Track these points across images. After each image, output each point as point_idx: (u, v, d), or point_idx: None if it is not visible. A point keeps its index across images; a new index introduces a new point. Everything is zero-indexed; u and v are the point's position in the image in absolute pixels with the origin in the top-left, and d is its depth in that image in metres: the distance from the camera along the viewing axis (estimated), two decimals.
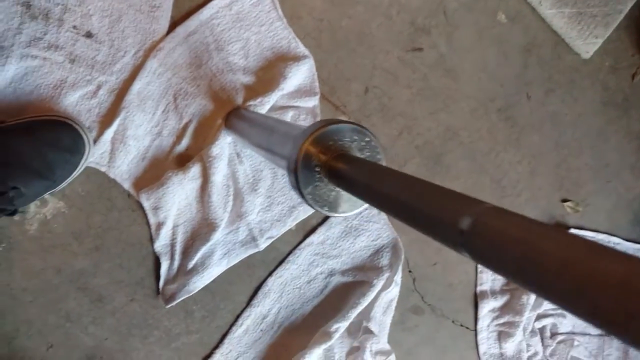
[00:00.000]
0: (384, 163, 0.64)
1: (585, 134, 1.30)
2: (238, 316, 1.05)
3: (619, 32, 1.29)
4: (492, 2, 1.16)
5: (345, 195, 0.63)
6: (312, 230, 1.09)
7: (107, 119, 0.93)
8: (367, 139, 0.64)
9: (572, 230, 1.29)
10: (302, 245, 1.08)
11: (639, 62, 1.32)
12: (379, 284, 1.10)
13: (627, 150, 1.36)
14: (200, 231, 1.00)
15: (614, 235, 1.36)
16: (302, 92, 1.04)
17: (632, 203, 1.39)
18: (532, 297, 1.22)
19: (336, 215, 0.64)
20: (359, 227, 1.11)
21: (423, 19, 1.11)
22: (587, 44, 1.24)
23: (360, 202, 0.64)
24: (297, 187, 0.60)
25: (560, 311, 1.30)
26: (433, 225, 0.43)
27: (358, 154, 0.63)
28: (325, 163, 0.61)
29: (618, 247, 1.36)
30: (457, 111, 1.17)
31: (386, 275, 1.11)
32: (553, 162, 1.28)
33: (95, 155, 0.92)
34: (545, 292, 0.31)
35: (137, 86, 0.93)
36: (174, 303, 0.98)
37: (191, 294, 0.99)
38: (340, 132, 0.62)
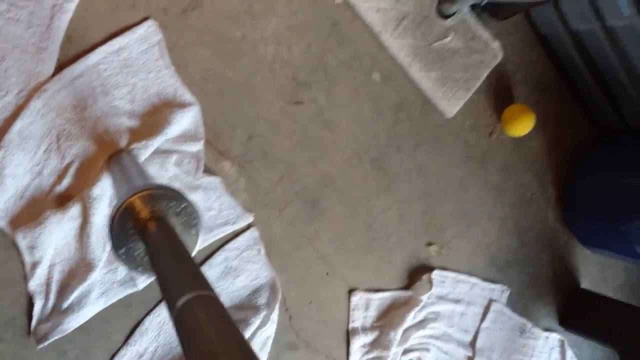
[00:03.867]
0: (199, 227, 0.71)
1: (449, 184, 1.45)
2: (113, 355, 1.06)
3: (478, 95, 1.46)
4: (367, 62, 1.29)
5: None
6: None
7: None
8: (183, 205, 0.70)
9: (436, 271, 1.42)
10: None
11: (495, 122, 1.50)
12: (256, 322, 1.15)
13: (485, 200, 1.52)
14: (78, 271, 1.01)
15: (473, 276, 1.51)
16: (186, 137, 1.09)
17: (489, 246, 1.55)
18: (399, 332, 1.33)
19: (149, 276, 0.70)
20: (239, 268, 1.17)
21: (304, 75, 1.21)
22: (450, 105, 1.40)
23: None
24: (114, 250, 0.66)
25: (425, 345, 1.41)
26: (167, 298, 0.52)
27: (174, 219, 0.69)
28: (141, 224, 0.66)
29: (476, 286, 1.51)
30: (334, 160, 1.27)
31: (263, 313, 1.17)
32: (420, 209, 1.41)
33: None
34: None
35: (18, 125, 0.94)
36: (46, 343, 0.97)
37: (65, 334, 0.99)
38: (156, 197, 0.68)
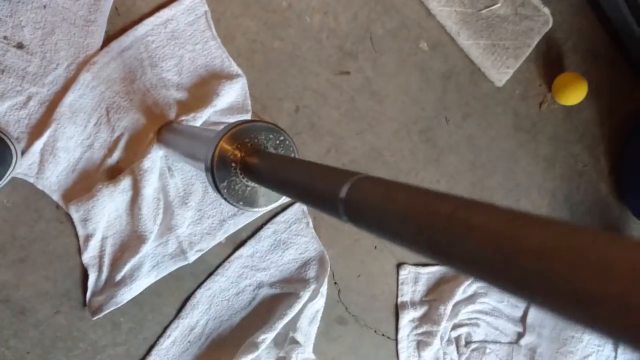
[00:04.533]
0: None
1: (498, 156, 1.41)
2: (166, 328, 1.06)
3: (528, 64, 1.40)
4: (415, 31, 1.25)
5: (260, 191, 0.67)
6: (242, 243, 1.12)
7: (37, 130, 0.93)
8: (281, 138, 0.69)
9: None
10: (232, 258, 1.11)
11: (545, 92, 1.45)
12: (306, 295, 1.14)
13: (535, 172, 1.48)
14: (130, 243, 1.01)
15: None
16: (234, 109, 1.08)
17: None
18: (449, 307, 1.30)
19: (250, 209, 0.68)
20: (288, 241, 1.16)
21: (351, 45, 1.18)
22: (500, 74, 1.35)
23: (273, 197, 0.69)
24: (214, 183, 0.64)
25: (474, 321, 1.39)
26: (322, 199, 0.48)
27: (272, 152, 0.68)
28: (241, 159, 0.65)
29: None
30: (381, 132, 1.24)
31: (312, 287, 1.16)
32: (469, 182, 1.38)
33: (23, 167, 0.92)
34: (411, 244, 0.36)
35: (69, 98, 0.94)
36: (101, 315, 0.98)
37: (119, 306, 0.99)
38: (255, 131, 0.67)
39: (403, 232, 0.35)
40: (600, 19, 1.50)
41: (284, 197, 0.70)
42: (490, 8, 1.30)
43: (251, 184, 0.66)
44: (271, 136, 0.67)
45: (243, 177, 0.65)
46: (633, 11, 1.40)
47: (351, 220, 0.43)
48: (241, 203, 0.65)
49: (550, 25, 1.40)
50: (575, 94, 1.42)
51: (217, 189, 0.63)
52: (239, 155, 0.64)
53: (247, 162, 0.63)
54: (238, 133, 0.65)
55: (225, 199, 0.64)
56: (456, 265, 0.32)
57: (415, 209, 0.34)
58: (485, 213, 0.30)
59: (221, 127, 1.05)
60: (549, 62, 1.44)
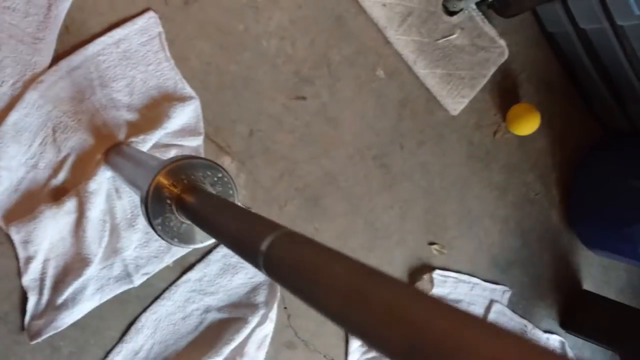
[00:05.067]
0: (235, 198, 0.68)
1: (452, 184, 1.43)
2: (108, 352, 1.04)
3: (483, 94, 1.43)
4: (372, 58, 1.26)
5: (194, 229, 0.67)
6: (190, 267, 1.11)
7: None
8: (219, 175, 0.68)
9: (437, 271, 1.40)
10: (179, 282, 1.09)
11: (500, 121, 1.48)
12: (254, 320, 1.13)
13: (487, 200, 1.50)
14: (73, 266, 0.99)
15: (474, 276, 1.49)
16: (186, 131, 1.07)
17: (490, 247, 1.53)
18: None
19: (185, 246, 0.68)
20: (237, 265, 1.15)
21: (307, 70, 1.18)
22: (455, 103, 1.37)
23: (207, 236, 0.68)
24: (147, 217, 0.63)
25: None
26: (243, 247, 0.48)
27: (210, 189, 0.67)
28: (177, 195, 0.64)
29: (477, 287, 1.49)
30: (336, 157, 1.24)
31: (261, 311, 1.15)
32: (422, 208, 1.39)
33: None
34: (321, 308, 0.37)
35: (13, 117, 0.91)
36: (39, 339, 0.95)
37: (59, 330, 0.97)
38: (193, 167, 0.66)
39: (314, 298, 0.36)
40: (555, 52, 1.54)
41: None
42: (448, 38, 1.33)
43: (187, 220, 0.65)
44: (209, 173, 0.67)
45: (178, 214, 0.64)
46: (585, 46, 1.44)
47: (269, 274, 0.43)
48: (176, 240, 0.65)
49: (506, 56, 1.43)
50: (528, 124, 1.45)
51: (151, 225, 0.62)
52: (175, 191, 0.64)
53: (183, 199, 0.63)
54: (176, 168, 0.64)
55: (159, 235, 0.63)
56: (354, 334, 0.32)
57: (332, 280, 0.35)
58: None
59: (173, 149, 1.05)
60: (504, 92, 1.48)
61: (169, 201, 0.64)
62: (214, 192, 0.67)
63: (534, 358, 0.24)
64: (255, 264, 0.45)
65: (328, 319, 0.35)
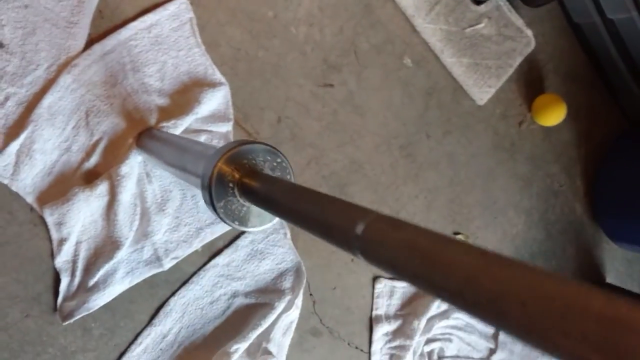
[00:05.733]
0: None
1: (477, 174, 1.42)
2: (138, 335, 1.05)
3: (509, 84, 1.42)
4: (399, 46, 1.26)
5: (254, 211, 0.68)
6: (218, 252, 1.11)
7: (14, 131, 0.91)
8: (278, 160, 0.69)
9: None
10: (207, 266, 1.10)
11: (525, 112, 1.47)
12: (280, 306, 1.13)
13: (512, 190, 1.50)
14: (104, 249, 1.00)
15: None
16: (216, 117, 1.07)
17: (514, 238, 1.53)
18: (423, 322, 1.31)
19: (245, 229, 0.69)
20: (264, 251, 1.15)
21: (335, 57, 1.18)
22: (481, 92, 1.37)
23: (267, 218, 0.70)
24: (211, 202, 0.64)
25: (447, 336, 1.39)
26: (333, 233, 0.49)
27: (270, 173, 0.68)
28: (239, 180, 0.65)
29: None
30: (362, 145, 1.24)
31: (288, 298, 1.15)
32: (447, 198, 1.39)
33: None
34: (425, 284, 0.38)
35: (48, 100, 0.92)
36: (71, 320, 0.96)
37: (90, 312, 0.98)
38: (254, 152, 0.67)
39: (429, 279, 0.36)
40: (581, 43, 1.53)
41: (276, 219, 0.70)
42: (475, 27, 1.32)
43: (247, 204, 0.66)
44: (269, 158, 0.68)
45: (240, 198, 0.65)
46: (612, 36, 1.43)
47: (366, 257, 0.44)
48: (236, 223, 0.66)
49: (533, 46, 1.42)
50: (554, 115, 1.44)
51: (214, 209, 0.64)
52: (237, 176, 0.65)
53: (246, 183, 0.64)
54: (237, 154, 0.65)
55: (221, 218, 0.64)
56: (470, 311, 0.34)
57: (451, 261, 0.36)
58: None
59: (203, 135, 1.05)
60: (530, 82, 1.47)
61: (231, 185, 0.65)
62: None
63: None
64: (348, 248, 0.46)
65: (441, 298, 0.37)
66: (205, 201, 0.66)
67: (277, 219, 0.70)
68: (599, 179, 1.62)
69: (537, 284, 0.29)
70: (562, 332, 0.27)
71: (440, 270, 0.36)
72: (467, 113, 1.38)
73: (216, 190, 0.64)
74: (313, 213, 0.52)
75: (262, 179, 0.64)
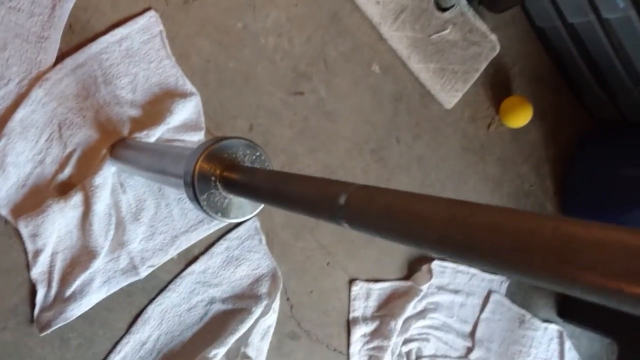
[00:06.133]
0: None
1: (448, 176, 1.46)
2: (116, 343, 1.06)
3: (476, 87, 1.47)
4: (367, 54, 1.29)
5: (236, 203, 0.72)
6: (194, 259, 1.13)
7: None
8: (257, 154, 0.73)
9: (436, 262, 1.43)
10: (184, 273, 1.12)
11: (493, 114, 1.51)
12: (258, 311, 1.15)
13: (483, 192, 1.53)
14: (80, 259, 1.01)
15: (472, 267, 1.52)
16: (188, 126, 1.10)
17: None
18: (400, 322, 1.33)
19: (227, 220, 0.72)
20: (240, 257, 1.17)
21: (305, 66, 1.21)
22: (449, 96, 1.40)
23: (248, 209, 0.74)
24: (195, 196, 0.68)
25: (424, 336, 1.42)
26: (318, 207, 0.54)
27: (251, 166, 0.72)
28: (220, 174, 0.69)
29: (475, 277, 1.52)
30: (334, 151, 1.27)
31: (265, 302, 1.17)
32: None
33: None
34: (407, 239, 0.43)
35: (20, 114, 0.94)
36: (49, 331, 0.97)
37: (68, 322, 0.99)
38: (233, 147, 0.71)
39: (410, 233, 0.42)
40: (545, 46, 1.58)
41: (258, 209, 0.74)
42: (440, 33, 1.36)
43: (229, 196, 0.69)
44: (248, 152, 0.71)
45: (222, 190, 0.68)
46: (573, 39, 1.48)
47: (351, 224, 0.49)
48: (219, 214, 0.70)
49: (498, 51, 1.46)
50: (521, 116, 1.49)
51: (197, 201, 0.67)
52: (218, 170, 0.68)
53: (228, 176, 0.68)
54: (217, 149, 0.69)
55: (204, 210, 0.68)
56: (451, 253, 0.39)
57: (425, 213, 0.41)
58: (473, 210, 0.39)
59: (176, 144, 1.07)
60: (497, 85, 1.51)
61: (213, 178, 0.68)
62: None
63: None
64: (333, 219, 0.51)
65: (425, 249, 0.42)
66: (188, 197, 0.70)
67: (258, 210, 0.74)
68: (567, 178, 1.66)
69: (494, 217, 0.36)
70: (513, 249, 0.33)
71: (418, 224, 0.41)
72: (436, 117, 1.42)
73: (199, 185, 0.67)
74: (297, 192, 0.57)
75: (243, 171, 0.68)
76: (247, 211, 0.74)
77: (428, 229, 0.41)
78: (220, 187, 0.70)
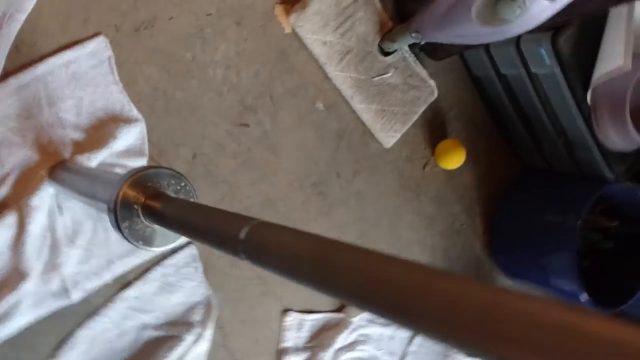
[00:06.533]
0: None
1: (384, 212, 1.52)
2: None
3: (415, 129, 1.54)
4: (312, 91, 1.34)
5: (159, 232, 0.73)
6: (128, 284, 1.13)
7: None
8: (182, 184, 0.75)
9: None
10: (116, 298, 1.11)
11: (429, 155, 1.59)
12: (189, 338, 1.16)
13: (417, 228, 1.60)
14: (9, 281, 0.99)
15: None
16: (131, 152, 1.10)
17: None
18: (330, 354, 1.36)
19: (149, 249, 0.74)
20: (175, 284, 1.18)
21: (251, 99, 1.25)
22: (388, 136, 1.47)
23: (172, 238, 0.75)
24: (116, 224, 0.69)
25: None
26: (222, 240, 0.55)
27: (173, 196, 0.73)
28: (143, 202, 0.70)
29: None
30: (276, 183, 1.31)
31: (197, 330, 1.18)
32: (356, 234, 1.47)
33: None
34: (300, 279, 0.45)
35: None
36: None
37: None
38: (158, 176, 0.73)
39: (303, 275, 0.44)
40: (480, 93, 1.67)
41: (180, 239, 0.75)
42: (382, 77, 1.43)
43: (152, 225, 0.71)
44: (172, 182, 0.73)
45: (144, 219, 0.70)
46: (505, 89, 1.58)
47: (250, 259, 0.51)
48: (141, 242, 0.71)
49: (436, 95, 1.54)
50: (455, 159, 1.57)
51: (119, 228, 0.68)
52: (141, 198, 0.70)
53: (150, 205, 0.69)
54: (142, 177, 0.70)
55: (126, 238, 0.69)
56: (348, 300, 0.41)
57: (307, 252, 0.44)
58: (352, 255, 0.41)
59: (117, 169, 1.08)
60: (434, 128, 1.59)
61: (135, 206, 0.69)
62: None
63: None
64: (235, 252, 0.52)
65: (307, 286, 0.44)
66: (111, 224, 0.70)
67: (181, 239, 0.76)
68: (495, 219, 1.76)
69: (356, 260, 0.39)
70: (423, 313, 0.34)
71: (324, 270, 0.43)
72: (375, 155, 1.48)
73: (121, 213, 0.68)
74: (204, 224, 0.59)
75: (162, 200, 0.69)
76: (169, 240, 0.75)
77: (301, 268, 0.44)
78: (142, 216, 0.71)
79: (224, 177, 1.23)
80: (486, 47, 1.49)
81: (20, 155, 0.99)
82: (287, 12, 1.27)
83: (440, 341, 0.33)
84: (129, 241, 0.70)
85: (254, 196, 1.28)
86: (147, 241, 0.72)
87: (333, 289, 0.41)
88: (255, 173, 1.27)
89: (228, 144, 1.23)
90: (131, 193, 0.70)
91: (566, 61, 1.33)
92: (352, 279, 0.38)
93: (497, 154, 1.76)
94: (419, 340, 1.59)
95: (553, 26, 1.31)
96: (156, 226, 0.72)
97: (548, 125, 1.56)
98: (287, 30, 1.28)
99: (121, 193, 0.69)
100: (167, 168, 0.74)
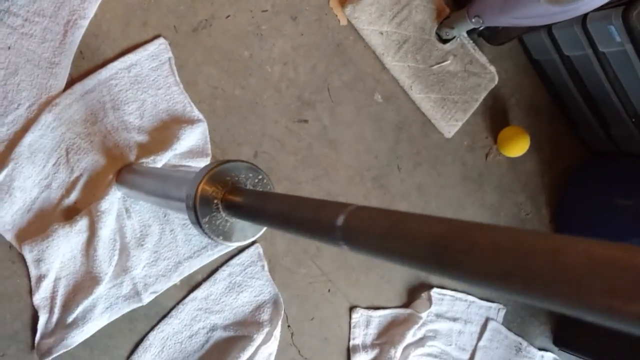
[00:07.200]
0: None
1: (447, 203, 1.47)
2: None
3: (475, 117, 1.49)
4: (370, 83, 1.31)
5: (238, 226, 0.71)
6: (197, 285, 1.13)
7: None
8: (260, 177, 0.73)
9: (435, 289, 1.43)
10: (186, 300, 1.11)
11: (491, 144, 1.53)
12: (259, 338, 1.15)
13: (481, 219, 1.55)
14: (83, 285, 1.00)
15: (470, 294, 1.52)
16: (194, 153, 1.10)
17: None
18: (400, 350, 1.33)
19: (228, 243, 0.72)
20: (243, 284, 1.17)
21: (309, 94, 1.23)
22: (449, 125, 1.43)
23: (250, 232, 0.73)
24: (197, 220, 0.68)
25: None
26: (317, 228, 0.53)
27: (258, 190, 0.72)
28: (223, 197, 0.69)
29: (473, 305, 1.52)
30: (336, 178, 1.28)
31: (266, 330, 1.17)
32: None
33: None
34: (404, 258, 0.43)
35: (28, 138, 0.94)
36: (49, 358, 0.96)
37: (69, 349, 0.98)
38: (236, 170, 0.72)
39: (408, 253, 0.42)
40: (542, 78, 1.61)
41: (259, 233, 0.74)
42: (441, 64, 1.39)
43: (231, 219, 0.69)
44: (250, 175, 0.72)
45: (224, 213, 0.68)
46: (570, 72, 1.51)
47: (349, 246, 0.48)
48: (221, 237, 0.69)
49: (496, 82, 1.49)
50: (518, 146, 1.51)
51: (199, 224, 0.67)
52: (220, 193, 0.68)
53: (230, 199, 0.68)
54: (219, 172, 0.69)
55: (206, 233, 0.67)
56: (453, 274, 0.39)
57: (424, 234, 0.41)
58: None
59: (182, 169, 1.08)
60: (495, 115, 1.54)
61: (215, 201, 0.68)
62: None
63: None
64: (333, 240, 0.50)
65: (417, 268, 0.42)
66: (190, 220, 0.69)
67: (259, 233, 0.74)
68: (563, 207, 1.68)
69: (491, 236, 0.37)
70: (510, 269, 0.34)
71: (409, 241, 0.42)
72: (436, 146, 1.43)
73: (201, 208, 0.67)
74: (297, 214, 0.56)
75: (245, 194, 0.67)
76: (249, 234, 0.74)
77: (418, 246, 0.41)
78: (222, 210, 0.70)
79: (286, 174, 1.22)
80: (549, 28, 1.43)
81: (88, 160, 1.00)
82: (343, 4, 1.25)
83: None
84: (209, 237, 0.68)
85: (315, 192, 1.26)
86: (227, 236, 0.71)
87: (460, 270, 0.38)
88: (316, 169, 1.26)
89: (288, 141, 1.21)
90: (209, 189, 0.68)
91: (639, 37, 1.25)
92: (491, 255, 0.35)
93: (561, 140, 1.69)
94: (489, 334, 1.54)
95: (623, 2, 1.25)
96: (234, 220, 0.70)
97: (618, 106, 1.48)
98: (343, 22, 1.26)
99: (200, 189, 0.67)
100: (244, 161, 0.72)
